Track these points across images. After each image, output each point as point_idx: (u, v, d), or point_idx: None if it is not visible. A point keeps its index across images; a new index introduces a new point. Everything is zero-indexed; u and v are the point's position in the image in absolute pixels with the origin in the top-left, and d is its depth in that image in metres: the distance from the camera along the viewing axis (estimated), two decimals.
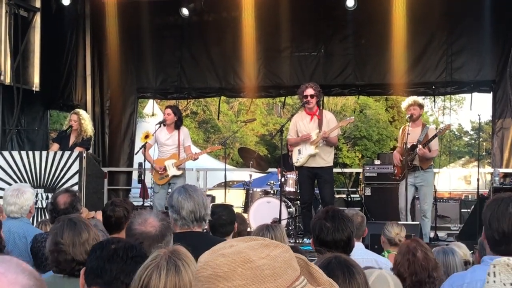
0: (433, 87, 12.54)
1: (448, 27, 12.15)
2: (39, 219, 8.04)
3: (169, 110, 9.85)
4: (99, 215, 5.33)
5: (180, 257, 2.15)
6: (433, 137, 9.05)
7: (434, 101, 14.12)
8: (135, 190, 13.36)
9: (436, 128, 9.61)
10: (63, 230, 3.32)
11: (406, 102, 9.44)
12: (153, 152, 9.91)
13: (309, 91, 9.05)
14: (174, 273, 2.12)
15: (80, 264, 3.18)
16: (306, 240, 8.88)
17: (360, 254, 4.89)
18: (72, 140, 9.62)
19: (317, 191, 9.67)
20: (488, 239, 2.91)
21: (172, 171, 9.70)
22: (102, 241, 2.86)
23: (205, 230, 4.22)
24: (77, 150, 9.22)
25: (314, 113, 9.17)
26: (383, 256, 5.31)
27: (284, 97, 14.77)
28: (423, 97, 12.76)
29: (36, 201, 8.63)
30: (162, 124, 9.79)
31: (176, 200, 3.85)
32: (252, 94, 13.58)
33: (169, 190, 9.97)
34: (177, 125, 9.82)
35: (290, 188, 10.30)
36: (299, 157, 9.16)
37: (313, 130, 9.10)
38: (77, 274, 3.21)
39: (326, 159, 9.11)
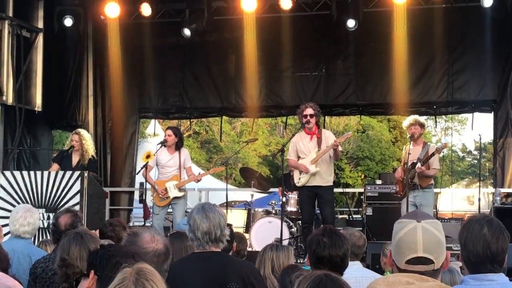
0: (435, 106, 12.53)
1: (449, 47, 12.15)
2: (40, 239, 8.03)
3: (169, 131, 9.82)
4: (97, 234, 5.33)
5: (147, 277, 2.11)
6: (431, 155, 9.00)
7: (436, 121, 14.11)
8: (137, 210, 13.34)
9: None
10: (70, 244, 3.33)
11: (407, 121, 9.43)
12: (154, 174, 9.89)
13: (309, 111, 9.09)
14: None
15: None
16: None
17: (360, 272, 4.88)
18: (74, 160, 9.62)
19: (318, 211, 9.64)
20: (465, 261, 2.90)
21: (173, 193, 9.67)
22: None
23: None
24: None
25: (314, 133, 9.21)
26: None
27: (286, 117, 14.79)
28: (425, 117, 12.75)
29: None
30: (163, 145, 9.77)
31: (193, 219, 3.85)
32: (253, 114, 13.61)
33: (169, 210, 9.96)
34: (178, 146, 9.80)
35: (291, 208, 10.28)
36: (300, 176, 9.17)
37: (312, 149, 9.13)
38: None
39: (326, 178, 9.12)
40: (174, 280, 2.90)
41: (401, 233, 2.34)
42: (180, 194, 9.67)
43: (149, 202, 10.35)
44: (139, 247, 3.30)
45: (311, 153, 9.09)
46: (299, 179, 9.18)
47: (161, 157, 9.75)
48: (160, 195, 9.65)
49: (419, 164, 8.93)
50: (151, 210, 10.02)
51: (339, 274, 3.45)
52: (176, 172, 9.72)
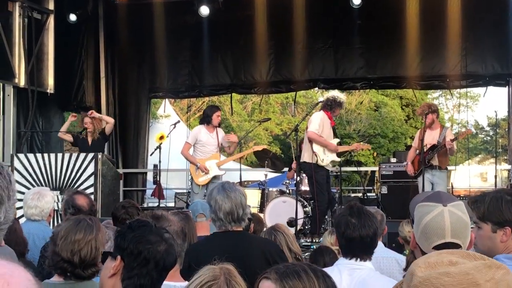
0: (448, 80, 12.34)
1: (464, 19, 11.80)
2: (56, 223, 8.03)
3: (219, 112, 9.81)
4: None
5: (237, 280, 2.09)
6: (454, 139, 8.96)
7: (451, 93, 13.90)
8: (150, 191, 13.35)
9: (456, 132, 9.51)
10: (67, 223, 3.17)
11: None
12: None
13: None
14: None
15: (64, 262, 3.02)
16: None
17: (380, 253, 4.83)
18: (89, 140, 9.73)
19: (333, 190, 9.68)
20: None
21: (214, 171, 9.61)
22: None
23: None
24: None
25: (332, 120, 9.34)
26: (404, 255, 5.23)
27: (295, 93, 14.75)
28: (438, 92, 12.64)
29: None
30: (205, 123, 9.68)
31: (214, 200, 3.84)
32: (263, 90, 13.57)
33: (205, 191, 9.88)
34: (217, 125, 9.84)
35: (305, 187, 10.23)
36: (324, 157, 9.16)
37: (331, 137, 9.20)
38: (59, 272, 3.06)
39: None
40: (198, 260, 2.86)
41: (427, 218, 2.29)
42: (221, 173, 9.65)
43: (164, 183, 10.31)
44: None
45: (332, 140, 9.16)
46: (323, 159, 9.15)
47: (201, 135, 9.66)
48: (203, 172, 9.61)
49: (448, 141, 8.85)
50: (191, 190, 9.97)
51: (370, 254, 3.43)
52: (216, 151, 9.71)
